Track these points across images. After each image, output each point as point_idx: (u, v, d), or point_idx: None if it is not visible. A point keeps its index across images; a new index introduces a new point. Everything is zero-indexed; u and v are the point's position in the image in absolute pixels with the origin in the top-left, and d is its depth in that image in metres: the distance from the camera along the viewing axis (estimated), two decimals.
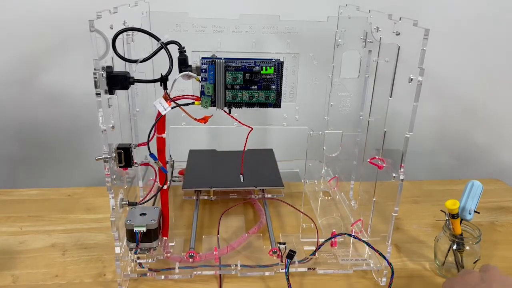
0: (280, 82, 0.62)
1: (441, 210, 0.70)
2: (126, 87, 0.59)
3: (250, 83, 0.62)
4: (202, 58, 0.61)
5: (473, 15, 1.03)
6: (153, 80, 0.60)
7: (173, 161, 1.05)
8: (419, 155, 1.15)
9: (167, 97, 0.60)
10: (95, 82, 0.55)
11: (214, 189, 0.88)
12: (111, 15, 0.60)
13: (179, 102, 0.61)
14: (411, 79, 0.60)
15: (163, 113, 0.60)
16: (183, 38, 0.60)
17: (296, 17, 0.69)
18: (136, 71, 0.65)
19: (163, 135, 0.65)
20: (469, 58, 1.07)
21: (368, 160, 0.72)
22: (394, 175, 0.65)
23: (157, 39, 0.60)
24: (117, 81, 0.58)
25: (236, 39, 0.66)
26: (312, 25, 0.71)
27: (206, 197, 0.90)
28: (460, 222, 0.68)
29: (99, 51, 0.56)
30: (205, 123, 0.63)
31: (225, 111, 0.64)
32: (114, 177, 0.62)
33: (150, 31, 0.59)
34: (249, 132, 0.68)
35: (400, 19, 0.65)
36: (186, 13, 0.66)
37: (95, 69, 0.54)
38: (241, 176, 0.76)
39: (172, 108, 0.60)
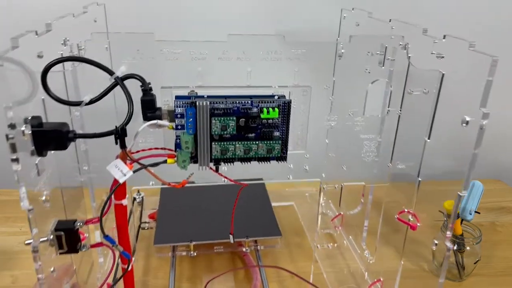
0: (286, 127, 0.45)
1: (439, 211, 0.68)
2: (63, 146, 0.40)
3: (246, 130, 0.44)
4: (177, 98, 0.42)
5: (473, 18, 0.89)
6: (105, 134, 0.41)
7: (142, 197, 0.86)
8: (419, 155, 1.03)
9: (125, 157, 0.42)
10: (11, 146, 0.35)
11: (194, 243, 0.70)
12: (41, 38, 0.41)
13: (145, 161, 0.43)
14: (467, 122, 0.44)
15: (121, 181, 0.41)
16: (148, 70, 0.42)
17: (298, 35, 0.51)
18: (79, 116, 0.46)
19: (124, 202, 0.47)
20: (469, 57, 0.94)
21: (396, 215, 0.56)
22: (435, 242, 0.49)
23: (110, 72, 0.41)
24: (49, 139, 0.39)
25: (224, 68, 0.47)
26: (328, 47, 0.53)
27: (184, 253, 0.72)
28: (461, 223, 0.67)
29: (20, 94, 0.37)
30: (183, 187, 0.45)
31: (211, 168, 0.46)
32: (52, 269, 0.43)
33: (97, 61, 0.40)
34: (242, 188, 0.51)
35: (444, 38, 0.48)
36: (151, 33, 0.46)
37: (9, 125, 0.35)
38: (230, 236, 0.59)
39: (134, 172, 0.42)
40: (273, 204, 0.83)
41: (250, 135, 0.44)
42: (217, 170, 0.46)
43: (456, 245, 0.68)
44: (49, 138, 0.39)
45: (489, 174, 1.08)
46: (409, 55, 0.53)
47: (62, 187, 0.48)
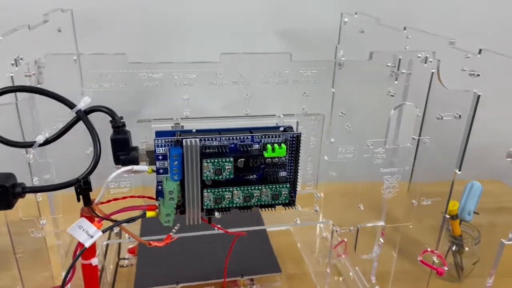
0: (295, 166, 0.36)
1: (440, 212, 0.62)
2: (8, 204, 0.30)
3: (246, 171, 0.35)
4: (157, 134, 0.33)
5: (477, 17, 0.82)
6: (62, 186, 0.31)
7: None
8: (419, 155, 0.97)
9: (92, 214, 0.33)
10: None
11: (182, 285, 0.61)
12: None
13: (116, 216, 0.34)
14: None
15: (87, 244, 0.32)
16: (119, 100, 0.33)
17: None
18: (31, 159, 0.37)
19: (93, 261, 0.37)
20: (468, 58, 0.88)
21: (419, 257, 0.48)
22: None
23: (69, 105, 0.31)
24: None
25: (215, 95, 0.38)
26: (346, 68, 0.44)
27: None
28: (460, 223, 0.66)
29: None
30: (167, 244, 0.36)
31: (203, 219, 0.37)
32: None
33: (52, 91, 0.31)
34: (237, 237, 0.42)
35: (480, 52, 0.40)
36: (123, 54, 0.36)
37: None
38: None
39: (104, 231, 0.33)
40: (269, 229, 0.74)
41: (250, 177, 0.35)
42: (209, 222, 0.37)
43: (455, 246, 0.66)
44: None
45: (489, 175, 1.05)
46: (432, 70, 0.45)
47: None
